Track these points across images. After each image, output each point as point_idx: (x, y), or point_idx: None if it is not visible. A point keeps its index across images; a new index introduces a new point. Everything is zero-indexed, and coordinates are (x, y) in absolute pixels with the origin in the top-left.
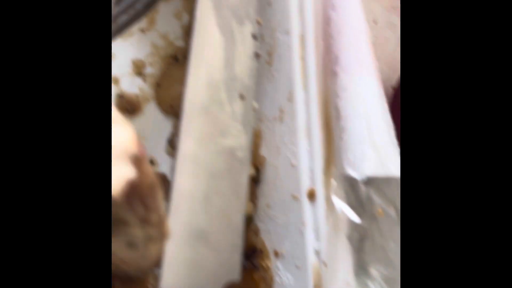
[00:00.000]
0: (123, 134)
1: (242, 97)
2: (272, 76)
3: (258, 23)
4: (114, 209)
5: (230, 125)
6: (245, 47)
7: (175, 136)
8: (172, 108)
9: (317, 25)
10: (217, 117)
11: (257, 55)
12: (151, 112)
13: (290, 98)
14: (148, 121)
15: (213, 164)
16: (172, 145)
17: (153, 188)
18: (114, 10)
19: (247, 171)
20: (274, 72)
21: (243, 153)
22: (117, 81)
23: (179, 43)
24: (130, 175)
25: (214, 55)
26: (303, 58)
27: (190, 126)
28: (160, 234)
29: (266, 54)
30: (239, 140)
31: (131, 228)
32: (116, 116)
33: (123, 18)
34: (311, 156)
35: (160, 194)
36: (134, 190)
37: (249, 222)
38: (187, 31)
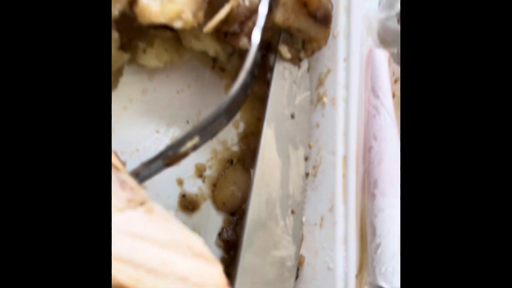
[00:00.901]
0: (214, 271)
1: (293, 212)
2: (315, 187)
3: (310, 146)
4: None
5: (283, 238)
6: (298, 168)
7: (224, 231)
8: (224, 205)
9: (358, 149)
10: (273, 231)
11: (307, 174)
12: (207, 209)
13: (331, 209)
14: (204, 217)
15: (267, 274)
16: (221, 238)
17: None
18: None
19: (294, 277)
20: (318, 184)
21: (292, 263)
22: (181, 183)
23: (235, 148)
24: None
25: (273, 177)
26: (345, 176)
27: (250, 240)
28: None
29: (311, 167)
30: (289, 251)
31: None
32: (207, 253)
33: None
34: (346, 262)
35: None
36: None
37: None
38: (242, 138)
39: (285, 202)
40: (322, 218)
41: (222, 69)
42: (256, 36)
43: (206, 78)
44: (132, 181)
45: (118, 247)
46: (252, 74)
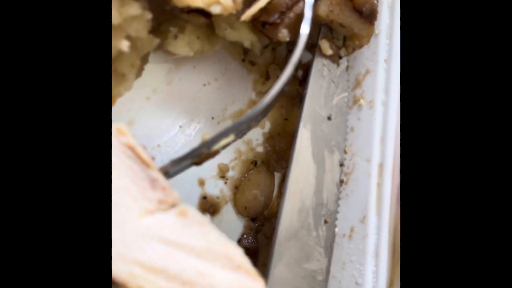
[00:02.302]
0: (256, 287)
1: (326, 222)
2: (346, 196)
3: (345, 151)
4: None
5: (314, 249)
6: (333, 174)
7: (244, 237)
8: (246, 209)
9: (395, 158)
10: (305, 242)
11: (341, 182)
12: (228, 213)
13: (363, 220)
14: (224, 222)
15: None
16: (241, 245)
17: None
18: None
19: None
20: (349, 192)
21: (323, 277)
22: (203, 183)
23: (259, 149)
24: None
25: (307, 183)
26: (380, 186)
27: (281, 251)
28: None
29: (343, 174)
30: (320, 264)
31: None
32: (248, 266)
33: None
34: (376, 277)
35: None
36: None
37: None
38: (267, 138)
39: (319, 211)
40: (351, 229)
41: (253, 63)
42: (304, 29)
43: (234, 71)
44: (163, 180)
45: (149, 255)
46: (296, 69)
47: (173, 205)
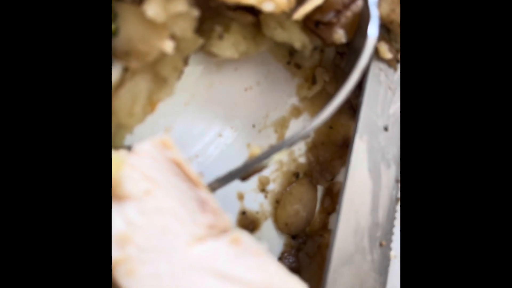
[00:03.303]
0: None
1: (381, 244)
2: (399, 214)
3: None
4: None
5: (369, 275)
6: (389, 191)
7: (285, 256)
8: (287, 226)
9: None
10: (359, 267)
11: (397, 199)
12: (267, 230)
13: None
14: (263, 239)
15: None
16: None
17: None
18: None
19: None
20: None
21: None
22: (242, 197)
23: (302, 160)
24: None
25: (363, 201)
26: None
27: (335, 277)
28: None
29: (399, 191)
30: None
31: None
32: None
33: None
34: None
35: None
36: None
37: None
38: (310, 148)
39: (374, 232)
40: None
41: (298, 66)
42: (373, 31)
43: (277, 74)
44: (213, 201)
45: None
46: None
47: (224, 231)
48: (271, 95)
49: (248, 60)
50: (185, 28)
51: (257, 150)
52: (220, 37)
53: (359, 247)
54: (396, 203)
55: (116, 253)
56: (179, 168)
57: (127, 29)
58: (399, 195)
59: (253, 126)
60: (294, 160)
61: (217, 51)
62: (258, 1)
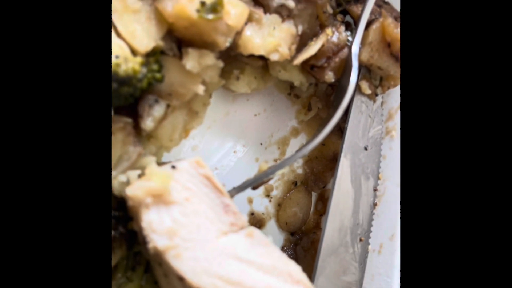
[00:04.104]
0: None
1: (361, 240)
2: (377, 215)
3: (379, 178)
4: None
5: (351, 264)
6: (368, 198)
7: (285, 249)
8: (287, 225)
9: None
10: (343, 257)
11: (374, 205)
12: (271, 228)
13: (392, 238)
14: (268, 235)
15: None
16: None
17: None
18: None
19: None
20: (380, 213)
21: None
22: (251, 201)
23: (299, 171)
24: None
25: (346, 206)
26: None
27: (324, 265)
28: None
29: (376, 198)
30: (355, 277)
31: None
32: (306, 281)
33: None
34: None
35: None
36: None
37: None
38: (306, 161)
39: (355, 230)
40: (381, 245)
41: (297, 96)
42: (353, 77)
43: (280, 103)
44: (234, 206)
45: (227, 270)
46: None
47: (242, 227)
48: (275, 119)
49: (257, 92)
50: (213, 75)
51: (265, 166)
52: (237, 78)
53: (343, 242)
54: (374, 208)
55: (166, 242)
56: (209, 181)
57: (170, 77)
58: (376, 201)
59: (261, 144)
60: (293, 171)
61: (235, 89)
62: (266, 52)
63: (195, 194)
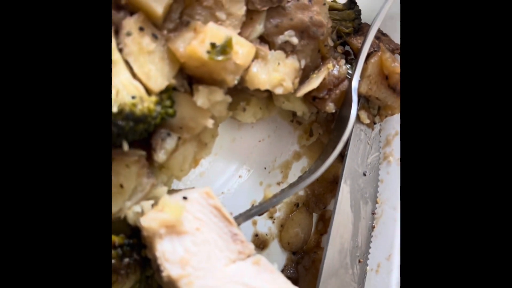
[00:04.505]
0: None
1: (360, 261)
2: (375, 236)
3: (377, 202)
4: None
5: (350, 285)
6: (366, 221)
7: (287, 268)
8: (289, 245)
9: None
10: (343, 279)
11: (372, 227)
12: (274, 248)
13: (388, 258)
14: (271, 255)
15: None
16: (284, 275)
17: None
18: None
19: None
20: (377, 234)
21: None
22: (255, 223)
23: (301, 193)
24: None
25: (346, 229)
26: None
27: (325, 286)
28: None
29: (374, 221)
30: None
31: None
32: None
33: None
34: None
35: None
36: None
37: None
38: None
39: (354, 252)
40: (378, 265)
41: (299, 123)
42: (353, 111)
43: (283, 129)
44: (241, 235)
45: None
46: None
47: (249, 255)
48: (278, 145)
49: (261, 120)
50: (221, 109)
51: (270, 193)
52: (244, 109)
53: (343, 263)
54: (372, 230)
55: (179, 271)
56: (218, 212)
57: (182, 112)
58: (374, 223)
59: (264, 168)
60: (295, 193)
61: (241, 119)
62: (272, 86)
63: (205, 223)
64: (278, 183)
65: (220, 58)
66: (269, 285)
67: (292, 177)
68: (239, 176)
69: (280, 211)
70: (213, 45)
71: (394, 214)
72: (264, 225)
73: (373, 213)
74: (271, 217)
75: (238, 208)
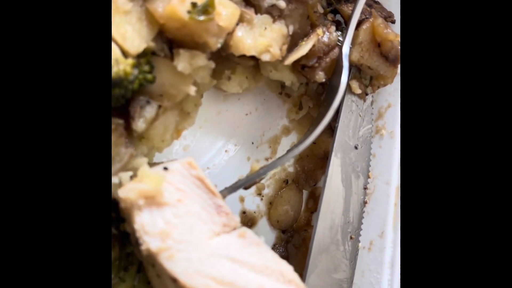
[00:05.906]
0: None
1: (351, 238)
2: (367, 213)
3: (369, 176)
4: None
5: (342, 261)
6: (358, 196)
7: (276, 247)
8: (278, 223)
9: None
10: (334, 255)
11: (365, 203)
12: (263, 226)
13: (381, 235)
14: (259, 233)
15: None
16: None
17: None
18: None
19: None
20: (370, 210)
21: (347, 285)
22: (243, 200)
23: (291, 169)
24: None
25: (337, 204)
26: (396, 205)
27: (315, 263)
28: None
29: (366, 196)
30: (346, 274)
31: None
32: (297, 280)
33: None
34: (391, 285)
35: None
36: None
37: None
38: (297, 159)
39: (346, 228)
40: (371, 243)
41: (288, 95)
42: (344, 78)
43: (271, 102)
44: (226, 207)
45: (220, 271)
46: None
47: (234, 228)
48: (266, 118)
49: (248, 92)
50: (204, 76)
51: (256, 165)
52: (229, 78)
53: (334, 240)
54: (364, 206)
55: (159, 244)
56: (201, 183)
57: (161, 78)
58: (366, 199)
59: (252, 143)
60: (284, 169)
61: (226, 89)
62: (258, 52)
63: (188, 195)
64: (267, 159)
65: (201, 18)
66: (255, 258)
67: (281, 152)
68: (226, 151)
69: (268, 188)
70: (194, 5)
71: (387, 190)
72: (252, 202)
73: (365, 188)
74: (259, 194)
75: (225, 184)
